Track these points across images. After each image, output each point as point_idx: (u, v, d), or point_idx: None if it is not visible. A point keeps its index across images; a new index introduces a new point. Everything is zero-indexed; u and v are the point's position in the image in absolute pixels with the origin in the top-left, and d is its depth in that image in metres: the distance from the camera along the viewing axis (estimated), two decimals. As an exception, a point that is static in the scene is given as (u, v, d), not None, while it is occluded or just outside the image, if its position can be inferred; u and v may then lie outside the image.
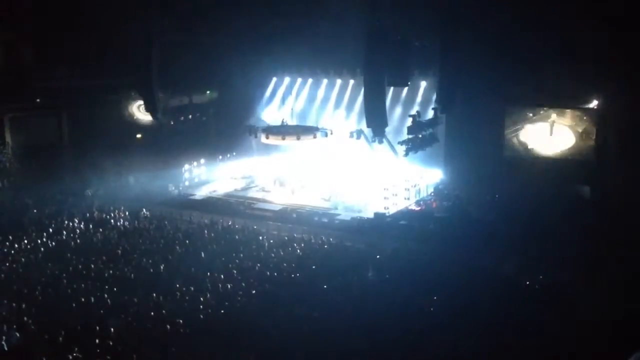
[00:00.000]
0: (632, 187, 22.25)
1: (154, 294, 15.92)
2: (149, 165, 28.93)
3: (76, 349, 13.04)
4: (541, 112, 25.75)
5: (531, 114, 25.92)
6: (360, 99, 28.28)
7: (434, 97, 26.80)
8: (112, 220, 23.27)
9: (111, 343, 13.46)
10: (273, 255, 19.43)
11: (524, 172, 25.22)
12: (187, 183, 29.35)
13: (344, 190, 26.86)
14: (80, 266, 18.38)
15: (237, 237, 21.41)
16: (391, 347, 13.17)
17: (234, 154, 32.04)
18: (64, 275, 17.64)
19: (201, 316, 14.92)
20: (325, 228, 23.09)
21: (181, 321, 14.35)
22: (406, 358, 13.11)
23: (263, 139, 28.25)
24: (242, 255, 19.24)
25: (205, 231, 21.99)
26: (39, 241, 20.45)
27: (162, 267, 18.29)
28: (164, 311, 15.04)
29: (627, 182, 22.65)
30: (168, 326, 14.18)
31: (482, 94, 25.24)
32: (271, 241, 20.90)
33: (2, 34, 29.83)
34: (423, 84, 28.54)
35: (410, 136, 25.84)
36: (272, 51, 28.76)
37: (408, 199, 26.12)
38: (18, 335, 13.84)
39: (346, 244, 20.69)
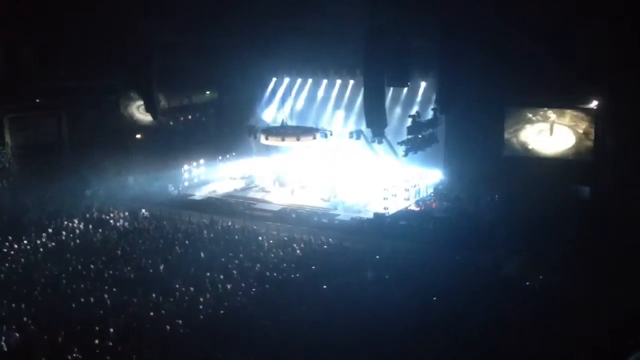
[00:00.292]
0: (631, 187, 22.26)
1: (154, 294, 15.90)
2: (148, 165, 28.91)
3: (76, 349, 13.04)
4: (541, 112, 25.78)
5: (531, 114, 25.95)
6: (359, 99, 28.31)
7: (434, 97, 26.84)
8: (111, 221, 23.26)
9: (111, 343, 13.46)
10: (273, 255, 19.41)
11: (524, 172, 25.21)
12: (186, 183, 29.31)
13: (343, 190, 26.87)
14: (79, 266, 18.35)
15: (236, 237, 21.39)
16: (391, 347, 13.16)
17: (234, 154, 32.03)
18: (64, 275, 17.62)
19: (201, 316, 14.91)
20: (324, 228, 23.07)
21: (181, 321, 14.34)
22: (406, 358, 13.10)
23: (262, 140, 28.25)
24: (241, 255, 19.22)
25: (205, 231, 21.97)
26: (39, 241, 20.43)
27: (161, 268, 18.28)
28: (163, 311, 15.03)
29: (626, 182, 22.67)
30: (168, 326, 14.17)
31: (482, 95, 25.28)
32: (271, 241, 20.88)
33: (2, 34, 29.81)
34: (423, 84, 28.54)
35: (409, 136, 25.87)
36: (272, 51, 28.77)
37: (408, 199, 26.12)
38: (18, 335, 13.83)
39: (346, 244, 20.67)
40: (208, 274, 17.43)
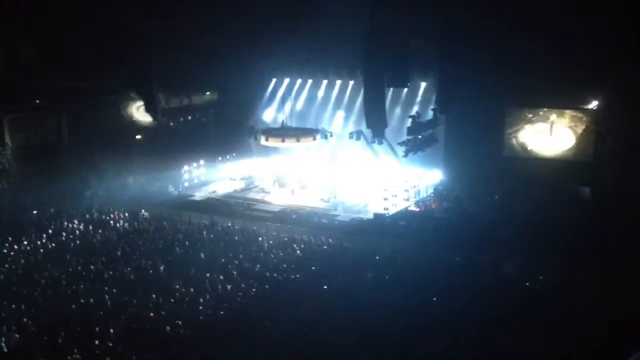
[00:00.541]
0: (631, 187, 22.26)
1: (154, 295, 15.90)
2: (148, 166, 28.91)
3: (76, 350, 13.03)
4: (540, 112, 25.77)
5: (530, 115, 25.94)
6: (359, 100, 28.32)
7: (434, 97, 26.84)
8: (111, 222, 23.25)
9: (111, 344, 13.45)
10: (272, 256, 19.41)
11: (524, 172, 25.21)
12: (186, 184, 29.32)
13: (343, 191, 26.87)
14: (79, 267, 18.36)
15: (236, 238, 21.39)
16: (391, 347, 13.16)
17: (234, 154, 32.04)
18: (64, 276, 17.63)
19: (201, 317, 14.91)
20: (324, 229, 23.07)
21: (180, 322, 14.34)
22: (406, 358, 13.10)
23: (263, 141, 28.26)
24: (241, 256, 19.22)
25: (205, 232, 21.97)
26: (39, 242, 20.42)
27: (161, 268, 18.28)
28: (163, 312, 15.02)
29: (626, 182, 22.66)
30: (168, 327, 14.17)
31: (482, 95, 25.25)
32: (271, 242, 20.90)
33: (2, 34, 29.81)
34: (422, 84, 28.55)
35: (409, 137, 25.88)
36: (272, 52, 28.78)
37: (408, 199, 26.12)
38: (18, 336, 13.82)
39: (346, 244, 20.66)
40: (208, 274, 17.43)
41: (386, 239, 21.32)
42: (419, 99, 28.73)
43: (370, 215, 24.14)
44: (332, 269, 17.99)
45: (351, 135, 27.57)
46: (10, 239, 20.43)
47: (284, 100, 32.05)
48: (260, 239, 21.21)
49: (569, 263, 17.44)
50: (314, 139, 27.88)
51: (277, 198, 27.45)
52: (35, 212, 23.81)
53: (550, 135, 25.61)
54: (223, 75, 31.17)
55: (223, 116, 33.79)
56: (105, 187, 27.22)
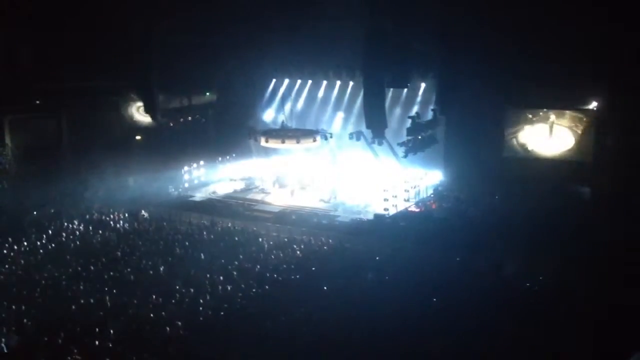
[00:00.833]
0: (631, 187, 22.25)
1: (154, 296, 15.90)
2: (148, 166, 28.87)
3: (75, 350, 13.05)
4: (540, 113, 25.77)
5: (530, 115, 25.95)
6: (359, 100, 28.31)
7: (433, 98, 26.83)
8: (111, 222, 23.26)
9: (110, 345, 13.46)
10: (273, 256, 19.42)
11: (524, 173, 25.22)
12: (186, 184, 29.31)
13: (343, 191, 26.86)
14: (79, 268, 18.36)
15: (236, 238, 21.40)
16: (391, 348, 13.16)
17: (234, 155, 32.03)
18: (64, 277, 17.63)
19: (201, 318, 14.91)
20: (324, 229, 23.05)
21: (180, 323, 14.34)
22: (405, 358, 13.10)
23: (263, 142, 28.26)
24: (241, 256, 19.22)
25: (205, 233, 21.98)
26: (39, 243, 20.44)
27: (161, 269, 18.28)
28: (163, 313, 15.03)
29: (626, 182, 22.66)
30: (168, 328, 14.17)
31: (482, 95, 25.25)
32: (271, 243, 20.90)
33: (2, 34, 29.81)
34: (422, 85, 28.55)
35: (409, 137, 25.86)
36: (272, 53, 28.78)
37: (408, 200, 26.12)
38: (17, 337, 13.83)
39: (346, 245, 20.67)
40: (208, 275, 17.44)
41: (386, 240, 21.31)
42: (418, 99, 28.72)
43: (371, 216, 24.15)
44: (332, 270, 17.99)
45: (351, 135, 27.57)
46: (10, 239, 20.44)
47: (283, 100, 32.05)
48: (260, 239, 21.22)
49: (569, 263, 17.43)
50: (314, 141, 27.89)
51: (277, 199, 27.44)
52: (35, 212, 23.80)
53: (550, 136, 25.62)
54: (223, 75, 31.17)
55: (223, 117, 33.77)
56: (105, 187, 27.19)
